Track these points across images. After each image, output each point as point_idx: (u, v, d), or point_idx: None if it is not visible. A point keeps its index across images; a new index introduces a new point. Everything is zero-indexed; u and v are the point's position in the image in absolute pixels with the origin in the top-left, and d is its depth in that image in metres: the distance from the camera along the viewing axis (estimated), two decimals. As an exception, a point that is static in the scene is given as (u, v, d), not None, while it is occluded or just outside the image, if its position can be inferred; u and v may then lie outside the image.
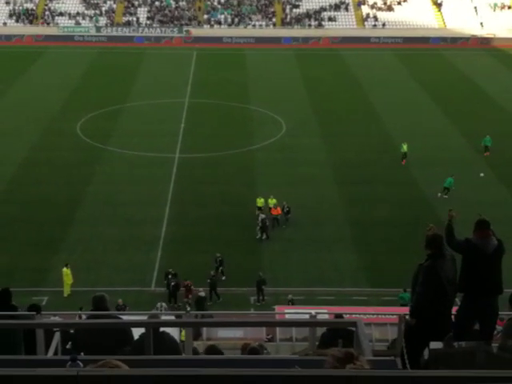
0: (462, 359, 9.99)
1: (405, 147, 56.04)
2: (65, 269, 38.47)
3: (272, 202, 46.22)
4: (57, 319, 19.08)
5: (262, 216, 44.20)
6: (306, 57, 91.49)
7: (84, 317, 18.84)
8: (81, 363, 6.87)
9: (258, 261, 41.70)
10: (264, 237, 43.96)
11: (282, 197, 48.42)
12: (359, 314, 25.74)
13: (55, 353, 10.95)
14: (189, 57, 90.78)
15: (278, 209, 45.64)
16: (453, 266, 11.32)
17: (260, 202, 46.21)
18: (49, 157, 55.89)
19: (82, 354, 10.54)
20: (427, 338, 10.80)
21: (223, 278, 39.80)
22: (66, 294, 38.32)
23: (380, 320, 17.37)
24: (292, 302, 36.05)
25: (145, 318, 12.84)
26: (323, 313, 26.05)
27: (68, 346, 13.00)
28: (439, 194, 49.02)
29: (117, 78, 79.81)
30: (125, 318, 14.34)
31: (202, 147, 58.32)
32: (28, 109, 67.65)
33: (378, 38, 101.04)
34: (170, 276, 37.99)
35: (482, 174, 52.46)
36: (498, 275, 11.60)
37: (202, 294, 36.92)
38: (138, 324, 12.25)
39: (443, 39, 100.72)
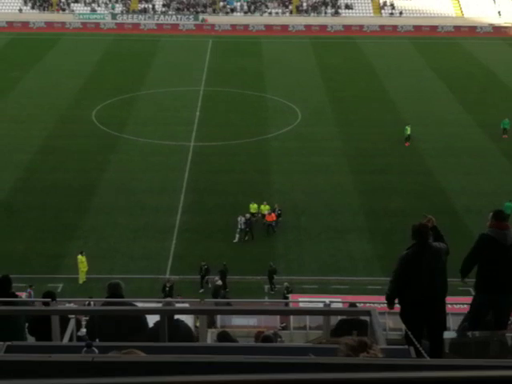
0: (476, 349, 10.00)
1: (408, 129, 56.68)
2: (80, 256, 38.63)
3: (265, 208, 44.60)
4: (72, 306, 19.19)
5: (247, 216, 43.17)
6: (322, 45, 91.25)
7: (93, 304, 18.93)
8: (96, 349, 6.92)
9: (272, 249, 41.74)
10: (241, 237, 42.89)
11: (297, 186, 48.53)
12: (373, 303, 25.69)
13: (70, 339, 11.02)
14: (204, 44, 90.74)
15: (273, 215, 43.93)
16: (439, 257, 11.15)
17: (253, 207, 44.84)
18: (64, 144, 56.03)
19: (97, 340, 10.61)
20: (415, 325, 10.84)
21: (209, 286, 38.05)
22: (81, 281, 38.50)
23: (394, 309, 17.34)
24: (289, 290, 35.89)
25: (159, 305, 12.90)
26: (337, 302, 26.08)
27: (80, 333, 13.09)
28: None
29: (132, 65, 79.85)
30: (139, 305, 14.40)
31: (217, 135, 58.31)
32: (43, 96, 67.84)
33: (395, 26, 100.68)
34: (167, 288, 35.97)
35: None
36: None
37: (219, 282, 36.95)
38: (152, 311, 12.31)
39: (460, 28, 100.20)
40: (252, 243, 42.37)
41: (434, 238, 11.30)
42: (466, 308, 16.78)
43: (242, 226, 42.95)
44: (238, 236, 42.89)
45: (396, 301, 11.57)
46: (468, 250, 11.84)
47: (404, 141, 56.70)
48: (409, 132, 56.75)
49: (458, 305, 18.23)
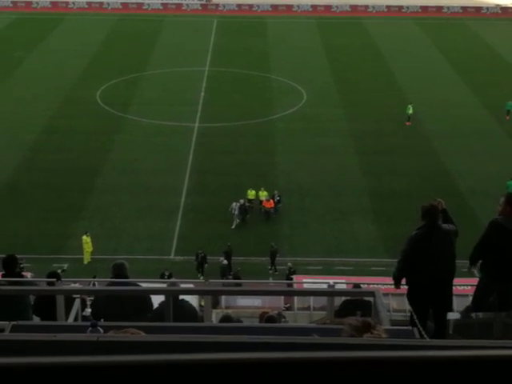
0: (480, 330, 10.02)
1: (411, 109, 57.05)
2: (85, 236, 38.73)
3: (263, 194, 43.98)
4: (77, 286, 19.26)
5: (241, 201, 42.64)
6: (328, 25, 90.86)
7: (97, 284, 18.98)
8: (101, 329, 6.95)
9: (277, 230, 41.80)
10: (237, 222, 42.38)
11: (302, 167, 48.51)
12: (377, 284, 25.75)
13: (75, 319, 11.06)
14: (209, 24, 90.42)
15: (271, 201, 43.37)
16: (448, 239, 11.15)
17: (251, 194, 44.29)
18: (68, 124, 55.99)
19: (102, 320, 10.64)
20: (421, 306, 10.86)
21: (201, 277, 36.27)
22: (85, 262, 38.62)
23: (398, 290, 17.39)
24: (293, 271, 35.91)
25: (164, 285, 12.94)
26: (341, 283, 26.13)
27: (85, 313, 13.13)
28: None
29: (137, 45, 79.60)
30: (144, 285, 14.44)
31: (221, 116, 58.22)
32: (48, 76, 67.71)
33: (401, 6, 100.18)
34: (165, 276, 34.87)
35: None
36: None
37: (225, 262, 37.01)
38: (157, 291, 12.34)
39: (467, 9, 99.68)
40: (256, 225, 42.39)
41: (443, 221, 11.28)
42: (470, 290, 16.82)
43: (236, 212, 42.26)
44: (235, 222, 42.42)
45: (403, 281, 11.57)
46: (478, 237, 11.77)
47: (405, 120, 56.82)
48: (411, 111, 57.01)
49: (462, 286, 18.23)
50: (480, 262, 11.55)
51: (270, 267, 38.53)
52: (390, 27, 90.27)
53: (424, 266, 11.04)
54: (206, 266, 37.75)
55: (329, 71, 71.26)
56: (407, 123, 56.70)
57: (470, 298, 12.81)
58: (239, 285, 26.02)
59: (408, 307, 11.39)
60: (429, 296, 11.04)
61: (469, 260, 11.67)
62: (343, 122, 57.60)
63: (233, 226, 42.20)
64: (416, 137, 54.62)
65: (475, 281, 12.15)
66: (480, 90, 64.91)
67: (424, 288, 11.03)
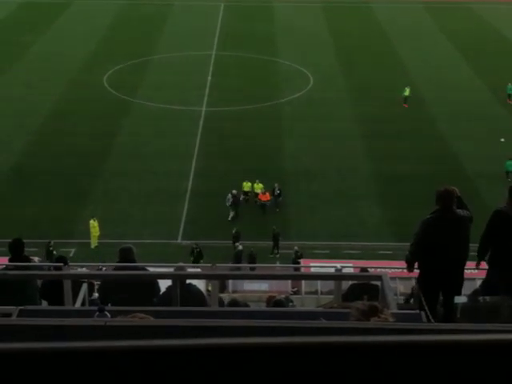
0: (487, 313, 10.02)
1: (407, 90, 57.53)
2: (92, 221, 38.82)
3: (258, 186, 43.00)
4: (84, 271, 19.32)
5: (234, 192, 41.74)
6: (334, 9, 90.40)
7: (104, 269, 19.03)
8: (108, 314, 6.97)
9: (284, 214, 41.83)
10: (233, 214, 41.72)
11: (309, 151, 48.49)
12: (384, 267, 25.76)
13: (83, 303, 11.10)
14: (216, 8, 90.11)
15: (267, 194, 42.36)
16: (462, 224, 11.11)
17: (247, 186, 43.36)
18: (76, 109, 56.00)
19: (110, 305, 10.68)
20: (432, 290, 10.84)
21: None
22: (93, 246, 38.73)
23: (405, 274, 17.41)
24: (299, 255, 35.94)
25: (171, 270, 12.97)
26: (349, 267, 26.17)
27: (93, 297, 13.17)
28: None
29: (144, 29, 79.37)
30: (152, 269, 14.47)
31: (229, 100, 58.15)
32: (55, 60, 67.60)
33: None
34: (195, 251, 36.33)
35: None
36: None
37: (240, 247, 37.05)
38: (164, 276, 12.37)
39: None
40: (263, 209, 42.36)
41: (458, 207, 11.22)
42: (478, 273, 16.81)
43: (230, 203, 41.71)
44: (231, 214, 41.79)
45: (416, 265, 11.52)
46: (484, 225, 11.73)
47: (402, 102, 57.50)
48: (407, 93, 57.49)
49: (469, 270, 18.22)
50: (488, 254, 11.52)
51: (273, 250, 38.67)
52: (397, 11, 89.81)
53: (436, 251, 11.00)
54: (202, 261, 35.39)
55: (335, 55, 71.04)
56: (405, 105, 57.17)
57: (478, 282, 12.82)
58: (251, 269, 26.07)
59: (409, 291, 11.39)
60: (440, 280, 11.02)
61: (477, 254, 11.64)
62: (350, 106, 57.49)
63: (229, 218, 41.56)
64: (422, 120, 54.50)
65: (483, 264, 12.13)
66: (485, 74, 64.59)
67: (436, 272, 11.00)
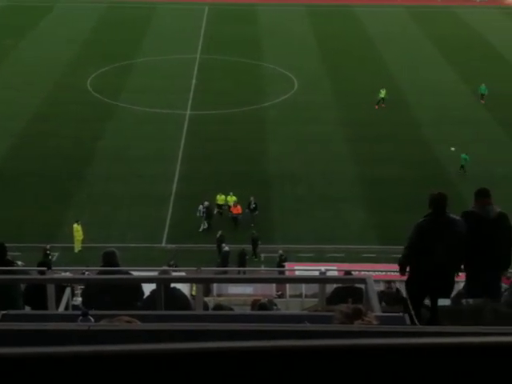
0: (470, 316, 10.05)
1: (383, 93, 58.01)
2: (75, 225, 38.68)
3: (232, 199, 42.02)
4: (67, 275, 19.23)
5: (206, 203, 40.88)
6: (318, 13, 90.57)
7: (87, 273, 18.95)
8: (92, 318, 6.94)
9: (269, 218, 41.80)
10: (205, 226, 40.90)
11: (294, 154, 48.56)
12: (368, 270, 25.81)
13: (66, 308, 11.05)
14: (200, 12, 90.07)
15: (239, 207, 41.43)
16: (455, 228, 11.15)
17: (221, 199, 42.29)
18: (59, 112, 55.81)
19: (93, 309, 10.63)
20: (421, 293, 10.88)
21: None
22: (76, 250, 38.57)
23: (389, 277, 17.46)
24: (283, 258, 35.95)
25: (155, 274, 12.93)
26: (333, 270, 26.18)
27: (76, 302, 13.12)
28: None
29: (128, 32, 79.20)
30: (135, 273, 14.43)
31: (213, 104, 58.11)
32: (38, 64, 67.32)
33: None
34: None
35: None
36: (506, 247, 11.49)
37: (226, 248, 36.99)
38: (148, 280, 12.34)
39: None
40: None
41: None
42: (460, 276, 16.84)
43: (202, 214, 40.97)
44: (203, 225, 41.02)
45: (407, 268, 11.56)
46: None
47: (375, 103, 58.07)
48: (382, 95, 57.89)
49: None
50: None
51: (252, 255, 38.68)
52: (381, 15, 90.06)
53: (428, 255, 11.04)
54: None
55: (320, 59, 71.16)
56: (376, 107, 57.84)
57: (461, 285, 12.85)
58: (245, 272, 26.06)
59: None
60: (431, 283, 11.05)
61: (466, 265, 11.70)
62: (334, 110, 57.58)
63: (200, 230, 40.89)
64: (406, 124, 54.67)
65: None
66: (469, 78, 64.85)
67: (427, 275, 11.04)
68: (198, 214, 41.03)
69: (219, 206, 42.26)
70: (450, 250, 11.08)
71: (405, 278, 11.83)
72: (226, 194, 42.35)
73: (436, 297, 11.10)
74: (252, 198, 41.52)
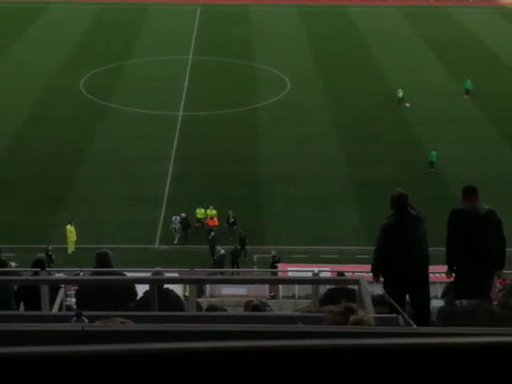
0: (464, 317, 10.06)
1: (401, 92, 59.31)
2: (69, 226, 38.63)
3: (212, 212, 40.98)
4: (61, 276, 19.20)
5: (183, 215, 40.08)
6: (311, 13, 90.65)
7: (81, 274, 18.93)
8: (85, 319, 6.92)
9: (261, 219, 41.79)
10: (178, 236, 40.18)
11: (286, 155, 48.61)
12: (361, 271, 25.82)
13: (60, 309, 11.02)
14: (192, 13, 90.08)
15: (215, 219, 40.53)
16: (419, 225, 11.22)
17: (200, 212, 41.35)
18: (52, 114, 55.75)
19: (87, 310, 10.60)
20: (399, 293, 10.90)
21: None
22: (70, 251, 38.53)
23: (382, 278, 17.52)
24: (276, 260, 35.93)
25: (149, 274, 12.92)
26: (326, 271, 26.19)
27: (70, 303, 13.09)
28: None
29: (120, 34, 79.18)
30: (129, 274, 14.42)
31: (205, 105, 58.10)
32: (31, 65, 67.28)
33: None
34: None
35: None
36: (497, 244, 11.53)
37: (222, 251, 36.92)
38: (142, 281, 12.32)
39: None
40: (242, 212, 42.14)
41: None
42: (438, 277, 16.86)
43: (176, 226, 40.11)
44: (177, 236, 40.25)
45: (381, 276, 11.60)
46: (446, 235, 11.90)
47: (397, 102, 59.43)
48: (400, 95, 58.94)
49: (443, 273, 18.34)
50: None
51: (243, 254, 38.63)
52: (374, 15, 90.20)
53: (397, 254, 11.11)
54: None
55: (312, 59, 71.21)
56: (395, 103, 59.06)
57: (438, 286, 12.89)
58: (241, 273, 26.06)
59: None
60: (405, 283, 11.10)
61: (447, 264, 11.78)
62: (327, 111, 57.62)
63: (175, 242, 40.17)
64: (399, 124, 54.76)
65: (443, 268, 12.26)
66: (462, 78, 64.88)
67: (399, 275, 11.09)
68: (170, 226, 40.25)
69: (198, 220, 41.40)
70: (418, 245, 11.17)
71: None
72: (206, 208, 41.41)
73: (415, 294, 11.18)
74: (231, 212, 40.81)
